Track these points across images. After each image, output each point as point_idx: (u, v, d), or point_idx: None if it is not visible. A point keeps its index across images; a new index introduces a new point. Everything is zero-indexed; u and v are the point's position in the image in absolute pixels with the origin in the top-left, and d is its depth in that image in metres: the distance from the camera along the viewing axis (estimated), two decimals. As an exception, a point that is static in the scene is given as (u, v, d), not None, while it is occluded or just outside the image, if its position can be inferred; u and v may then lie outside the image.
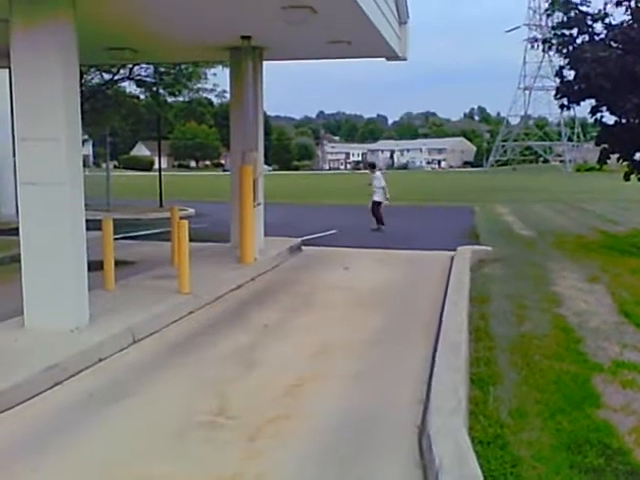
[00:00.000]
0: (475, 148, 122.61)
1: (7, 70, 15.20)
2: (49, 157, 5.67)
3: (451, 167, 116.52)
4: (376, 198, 15.73)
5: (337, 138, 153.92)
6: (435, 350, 5.53)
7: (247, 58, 9.85)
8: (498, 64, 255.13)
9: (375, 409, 4.53)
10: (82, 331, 5.76)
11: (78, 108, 5.87)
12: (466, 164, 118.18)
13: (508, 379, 4.91)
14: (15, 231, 10.87)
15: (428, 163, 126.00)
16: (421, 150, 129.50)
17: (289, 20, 7.86)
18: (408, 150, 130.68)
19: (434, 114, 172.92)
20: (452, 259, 10.18)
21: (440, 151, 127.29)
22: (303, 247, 11.90)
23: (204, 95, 24.28)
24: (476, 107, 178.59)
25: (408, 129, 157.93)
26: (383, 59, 11.49)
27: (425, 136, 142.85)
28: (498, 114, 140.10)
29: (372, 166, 17.33)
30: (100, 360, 5.39)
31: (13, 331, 5.74)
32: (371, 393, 4.85)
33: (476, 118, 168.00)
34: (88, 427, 4.19)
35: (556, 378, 4.91)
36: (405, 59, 11.20)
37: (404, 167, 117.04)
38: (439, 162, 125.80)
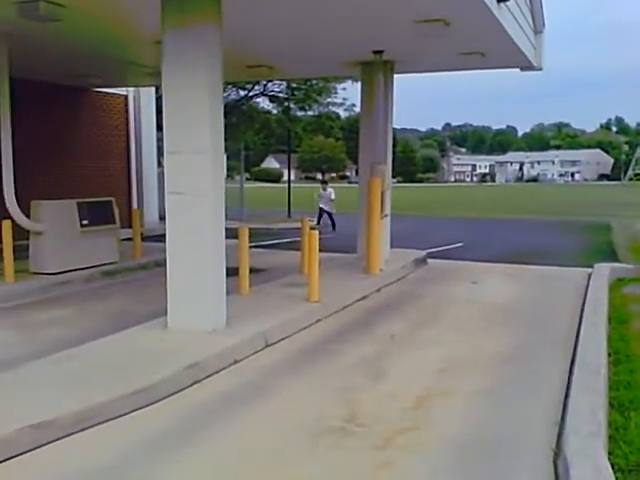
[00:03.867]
0: (612, 160, 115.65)
1: (154, 88, 16.41)
2: (195, 169, 6.05)
3: (585, 180, 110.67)
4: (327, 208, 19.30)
5: (463, 150, 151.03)
6: (571, 371, 5.31)
7: (378, 72, 9.99)
8: (637, 72, 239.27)
9: (506, 427, 4.42)
10: (219, 333, 6.08)
11: (222, 122, 6.22)
12: (602, 177, 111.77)
13: (652, 406, 4.62)
14: (158, 238, 11.69)
15: (560, 176, 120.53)
16: (553, 162, 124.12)
17: (422, 34, 7.90)
18: (539, 162, 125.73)
19: (567, 125, 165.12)
20: (589, 276, 9.70)
21: (574, 163, 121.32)
22: (429, 260, 11.80)
23: (333, 109, 24.79)
24: (613, 117, 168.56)
25: (539, 140, 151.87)
26: (516, 69, 11.22)
27: (557, 148, 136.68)
28: (638, 124, 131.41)
29: (324, 182, 20.67)
30: (235, 362, 5.66)
31: (158, 331, 6.16)
32: (502, 411, 4.73)
33: (613, 129, 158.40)
34: (225, 425, 4.42)
35: None
36: (540, 69, 10.87)
37: (534, 180, 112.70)
38: (572, 175, 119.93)
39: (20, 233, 9.31)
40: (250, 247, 8.14)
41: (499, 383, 5.33)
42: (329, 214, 19.16)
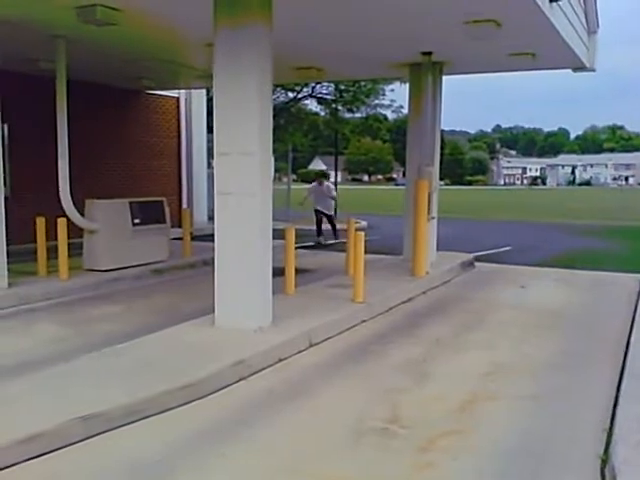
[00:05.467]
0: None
1: (204, 90, 16.69)
2: (243, 170, 6.14)
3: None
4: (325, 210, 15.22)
5: (514, 152, 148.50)
6: (620, 379, 5.19)
7: (427, 73, 9.93)
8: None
9: (553, 434, 4.34)
10: (265, 332, 6.16)
11: (270, 124, 6.30)
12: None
13: None
14: (206, 237, 11.89)
15: (614, 179, 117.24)
16: (606, 165, 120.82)
17: (472, 35, 7.83)
18: (591, 165, 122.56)
19: (622, 127, 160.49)
20: (641, 283, 9.44)
21: (628, 167, 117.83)
22: (476, 263, 11.67)
23: (381, 111, 24.76)
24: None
25: (592, 143, 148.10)
26: (569, 70, 11.00)
27: (611, 151, 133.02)
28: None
29: (322, 175, 16.23)
30: (280, 360, 5.72)
31: (205, 328, 6.28)
32: (548, 417, 4.66)
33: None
34: (269, 422, 4.48)
35: None
36: (593, 70, 10.63)
37: (587, 183, 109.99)
38: (626, 178, 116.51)
39: (73, 231, 9.60)
40: (296, 248, 8.20)
41: (547, 389, 5.25)
42: (329, 217, 15.35)
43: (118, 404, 4.35)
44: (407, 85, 11.12)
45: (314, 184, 15.40)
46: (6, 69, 8.26)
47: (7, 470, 3.64)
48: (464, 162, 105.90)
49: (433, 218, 10.31)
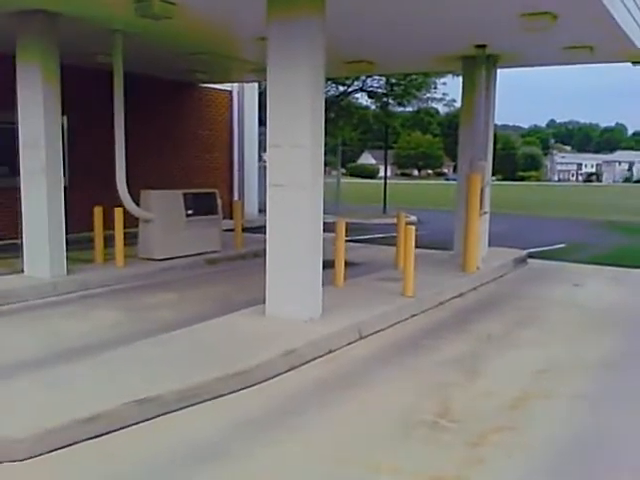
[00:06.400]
0: None
1: (256, 83, 16.85)
2: (295, 162, 6.18)
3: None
4: None
5: (568, 148, 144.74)
6: (680, 380, 5.04)
7: (480, 66, 9.79)
8: None
9: (608, 433, 4.26)
10: (315, 323, 6.20)
11: (322, 117, 6.33)
12: None
13: None
14: (257, 229, 12.02)
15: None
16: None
17: (527, 28, 7.67)
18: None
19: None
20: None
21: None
22: (529, 260, 11.46)
23: (432, 105, 24.51)
24: None
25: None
26: (628, 64, 10.67)
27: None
28: None
29: None
30: (330, 351, 5.76)
31: (256, 318, 6.36)
32: (603, 416, 4.56)
33: None
34: (319, 411, 4.52)
35: None
36: (655, 63, 10.29)
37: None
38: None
39: (129, 220, 9.84)
40: (345, 241, 8.21)
41: (601, 388, 5.14)
42: None
43: (172, 389, 4.46)
44: (460, 78, 10.99)
45: None
46: (66, 63, 8.49)
47: (66, 449, 3.77)
48: (516, 157, 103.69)
49: (485, 213, 10.18)
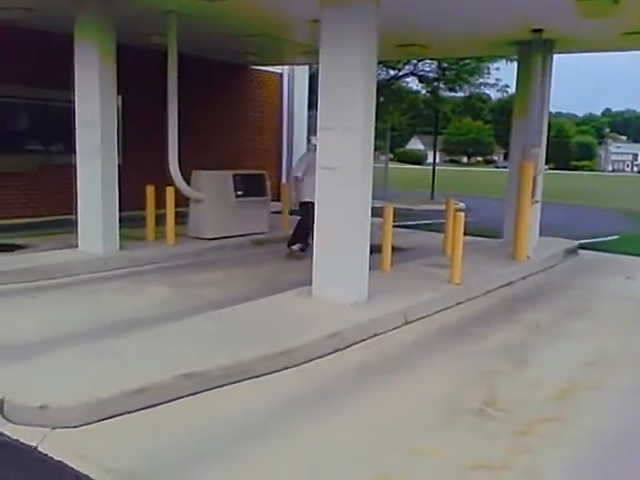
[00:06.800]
0: None
1: (307, 66, 16.81)
2: (346, 145, 6.15)
3: None
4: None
5: (624, 138, 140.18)
6: None
7: (536, 52, 9.51)
8: None
9: (659, 429, 4.16)
10: (361, 306, 6.20)
11: (374, 99, 6.27)
12: None
13: None
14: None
15: None
16: None
17: (585, 12, 7.42)
18: None
19: None
20: None
21: None
22: (580, 250, 11.19)
23: (485, 90, 24.02)
24: None
25: None
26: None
27: None
28: None
29: None
30: (375, 335, 5.76)
31: (302, 299, 6.40)
32: (655, 412, 4.45)
33: None
34: (363, 394, 4.52)
35: None
36: None
37: None
38: None
39: (180, 200, 9.99)
40: (393, 226, 8.16)
41: (653, 383, 5.01)
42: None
43: (219, 364, 4.54)
44: (514, 64, 10.73)
45: (310, 148, 9.77)
46: (122, 43, 8.62)
47: (113, 419, 3.88)
48: (570, 146, 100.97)
49: (537, 202, 9.96)
